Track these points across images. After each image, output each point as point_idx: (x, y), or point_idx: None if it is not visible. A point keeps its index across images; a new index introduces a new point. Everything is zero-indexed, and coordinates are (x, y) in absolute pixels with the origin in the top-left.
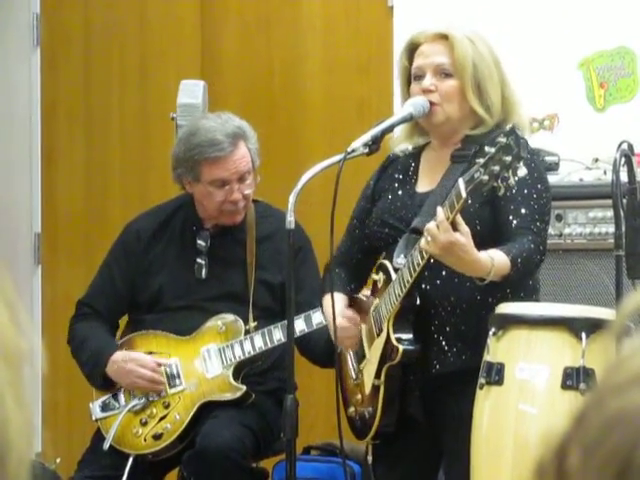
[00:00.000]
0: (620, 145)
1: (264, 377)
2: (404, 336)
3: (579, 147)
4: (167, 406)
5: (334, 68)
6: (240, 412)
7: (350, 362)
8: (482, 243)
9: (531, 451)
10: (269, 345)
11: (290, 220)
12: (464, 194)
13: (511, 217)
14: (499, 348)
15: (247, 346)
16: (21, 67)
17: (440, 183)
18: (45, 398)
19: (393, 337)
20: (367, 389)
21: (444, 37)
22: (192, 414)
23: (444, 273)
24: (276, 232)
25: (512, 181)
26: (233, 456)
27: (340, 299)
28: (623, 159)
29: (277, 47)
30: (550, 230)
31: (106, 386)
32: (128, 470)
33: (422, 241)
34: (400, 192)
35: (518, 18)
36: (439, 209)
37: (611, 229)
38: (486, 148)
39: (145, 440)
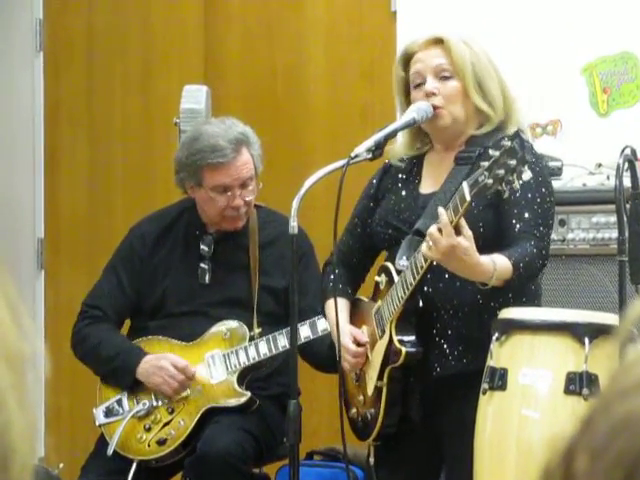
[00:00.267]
0: (623, 150)
1: (267, 382)
2: (407, 338)
3: (582, 152)
4: (171, 412)
5: (337, 73)
6: (242, 417)
7: None
8: (485, 245)
9: (534, 456)
10: (274, 352)
11: (293, 225)
12: (468, 197)
13: (514, 221)
14: (502, 353)
15: (252, 352)
16: (24, 72)
17: (444, 185)
18: (48, 403)
19: (396, 339)
20: (369, 391)
21: (438, 42)
22: (196, 420)
23: (447, 276)
24: (279, 237)
25: (516, 185)
26: (233, 461)
27: (344, 307)
28: (626, 164)
29: (280, 52)
30: (553, 235)
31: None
32: (132, 476)
33: (424, 247)
34: (404, 193)
35: (521, 24)
36: (442, 212)
37: (614, 234)
38: (490, 151)
39: (149, 446)
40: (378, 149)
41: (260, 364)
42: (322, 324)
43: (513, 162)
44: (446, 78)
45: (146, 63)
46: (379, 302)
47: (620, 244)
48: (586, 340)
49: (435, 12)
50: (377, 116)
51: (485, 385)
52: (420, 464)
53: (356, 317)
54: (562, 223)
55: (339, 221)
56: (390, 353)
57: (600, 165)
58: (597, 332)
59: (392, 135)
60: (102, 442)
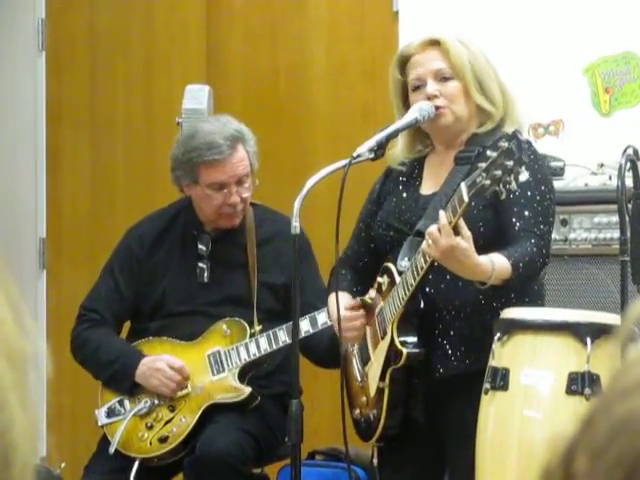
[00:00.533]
0: (625, 150)
1: (269, 380)
2: (408, 339)
3: (584, 152)
4: (172, 410)
5: (339, 73)
6: (242, 417)
7: (355, 364)
8: (485, 245)
9: (536, 456)
10: (274, 347)
11: (295, 225)
12: (466, 198)
13: (514, 220)
14: (504, 353)
15: (252, 348)
16: (26, 71)
17: (444, 185)
18: (50, 402)
19: (397, 340)
20: (372, 391)
21: (435, 43)
22: (198, 417)
23: (448, 277)
24: (276, 234)
25: (514, 185)
26: (231, 462)
27: (345, 297)
28: (628, 164)
29: (282, 52)
30: (555, 235)
31: (130, 390)
32: (134, 474)
33: (424, 244)
34: (405, 195)
35: (523, 24)
36: (441, 213)
37: (616, 234)
38: (488, 152)
39: (151, 444)
40: (380, 149)
41: (261, 360)
42: (322, 318)
43: (510, 163)
44: (446, 79)
45: (148, 62)
46: (381, 303)
47: (622, 244)
48: (588, 340)
49: (437, 12)
50: (379, 116)
51: (487, 385)
52: (424, 465)
53: None
54: (564, 223)
55: (341, 221)
56: (392, 354)
57: (602, 165)
58: (599, 332)
59: (394, 135)
60: (104, 442)
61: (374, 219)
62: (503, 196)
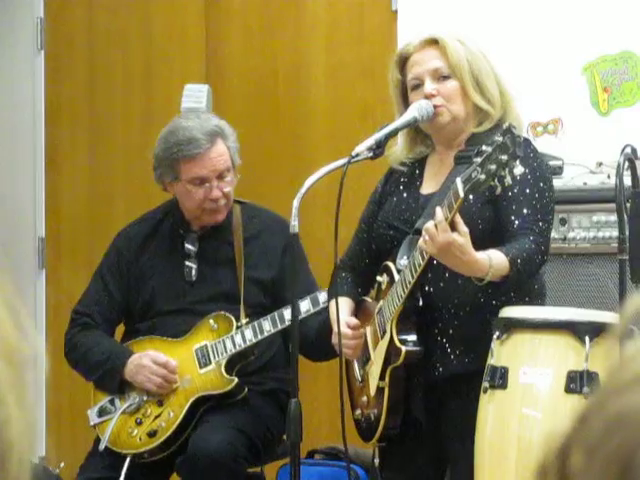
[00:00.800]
0: (624, 149)
1: (261, 376)
2: (407, 337)
3: (583, 151)
4: (161, 404)
5: (338, 72)
6: (233, 415)
7: (356, 364)
8: (484, 243)
9: (534, 455)
10: (259, 336)
11: (294, 224)
12: (462, 193)
13: (513, 217)
14: (503, 352)
15: (238, 339)
16: (25, 71)
17: (443, 185)
18: (49, 402)
19: (396, 338)
20: (372, 391)
21: (433, 42)
22: (186, 410)
23: (447, 275)
24: (263, 231)
25: (508, 180)
26: (223, 461)
27: (346, 304)
28: (627, 163)
29: (281, 51)
30: (554, 234)
31: (119, 389)
32: (125, 471)
33: (420, 241)
34: (405, 195)
35: (522, 23)
36: (438, 209)
37: (615, 233)
38: (483, 147)
39: (140, 439)
40: (379, 148)
41: (247, 351)
42: (323, 297)
43: (505, 157)
44: (444, 78)
45: (147, 62)
46: (381, 302)
47: (621, 243)
48: (587, 339)
49: (436, 11)
50: (378, 115)
51: (486, 384)
52: (425, 464)
53: (360, 317)
54: (563, 222)
55: (340, 220)
56: (391, 352)
57: (601, 164)
58: (598, 331)
59: (393, 134)
60: (98, 441)
61: (375, 220)
62: (499, 190)
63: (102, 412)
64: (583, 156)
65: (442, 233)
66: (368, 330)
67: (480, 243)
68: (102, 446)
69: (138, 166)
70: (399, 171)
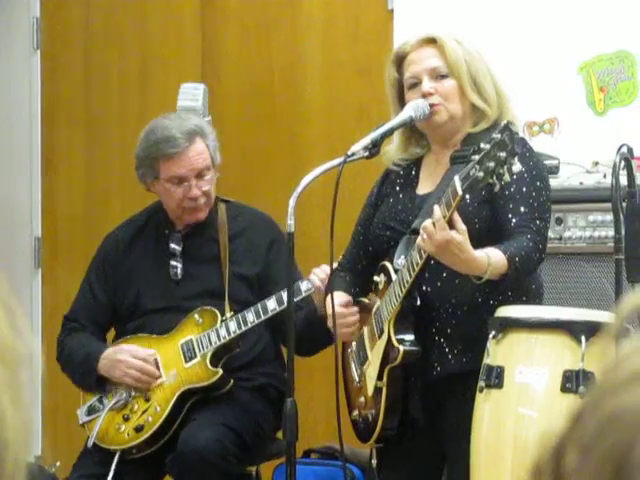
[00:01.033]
0: (620, 148)
1: (250, 372)
2: (405, 337)
3: (579, 151)
4: (148, 400)
5: (334, 71)
6: (222, 412)
7: (353, 365)
8: (482, 242)
9: (530, 454)
10: (243, 328)
11: (290, 224)
12: (460, 191)
13: (510, 215)
14: (499, 351)
15: (222, 332)
16: (21, 70)
17: (440, 184)
18: (44, 402)
19: (394, 338)
20: (370, 391)
21: (430, 42)
22: (172, 404)
23: (445, 275)
24: (248, 228)
25: (507, 177)
26: (211, 458)
27: (340, 294)
28: (623, 162)
29: (277, 50)
30: (550, 233)
31: (99, 386)
32: (114, 467)
33: (419, 239)
34: (401, 195)
35: (518, 22)
36: (435, 207)
37: (611, 233)
38: (481, 145)
39: (128, 435)
40: (375, 147)
41: (232, 344)
42: (305, 285)
43: (503, 154)
44: (442, 77)
45: (143, 61)
46: (378, 302)
47: (617, 242)
48: (583, 338)
49: (431, 10)
50: (374, 114)
51: (482, 383)
52: (422, 464)
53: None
54: (559, 221)
55: (336, 219)
56: (389, 352)
57: (597, 163)
58: (594, 330)
59: (389, 133)
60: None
61: (372, 222)
62: (497, 188)
63: (91, 411)
64: (579, 156)
65: (440, 231)
66: (365, 330)
67: (477, 242)
68: (90, 443)
69: (134, 166)
70: (395, 172)
